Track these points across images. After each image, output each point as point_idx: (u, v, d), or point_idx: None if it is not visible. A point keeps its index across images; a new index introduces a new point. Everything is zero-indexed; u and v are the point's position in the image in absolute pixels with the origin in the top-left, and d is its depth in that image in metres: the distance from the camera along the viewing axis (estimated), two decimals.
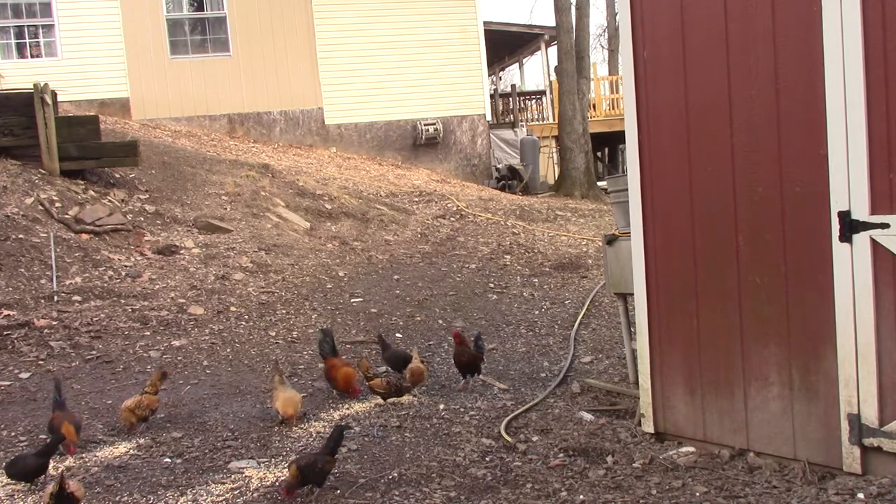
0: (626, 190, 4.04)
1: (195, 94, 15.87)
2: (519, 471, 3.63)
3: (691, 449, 3.74)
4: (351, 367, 4.91)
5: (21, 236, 7.74)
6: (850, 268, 3.15)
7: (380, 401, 4.75)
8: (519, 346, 6.19)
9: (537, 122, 20.69)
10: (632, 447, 3.89)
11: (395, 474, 3.64)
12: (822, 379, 3.29)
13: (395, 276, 8.57)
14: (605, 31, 32.01)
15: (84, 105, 14.26)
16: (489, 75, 19.96)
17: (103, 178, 9.87)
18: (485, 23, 18.07)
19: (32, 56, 15.32)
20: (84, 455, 4.03)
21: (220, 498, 3.49)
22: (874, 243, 3.08)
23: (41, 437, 4.30)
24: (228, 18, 16.13)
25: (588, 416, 4.41)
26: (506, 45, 22.47)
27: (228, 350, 6.11)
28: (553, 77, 19.89)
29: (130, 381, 5.39)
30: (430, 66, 17.04)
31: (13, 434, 4.44)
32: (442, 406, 4.66)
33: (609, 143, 21.70)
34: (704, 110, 3.62)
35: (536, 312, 7.21)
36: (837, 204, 3.17)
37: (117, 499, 3.52)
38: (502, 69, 28.76)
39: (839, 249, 3.17)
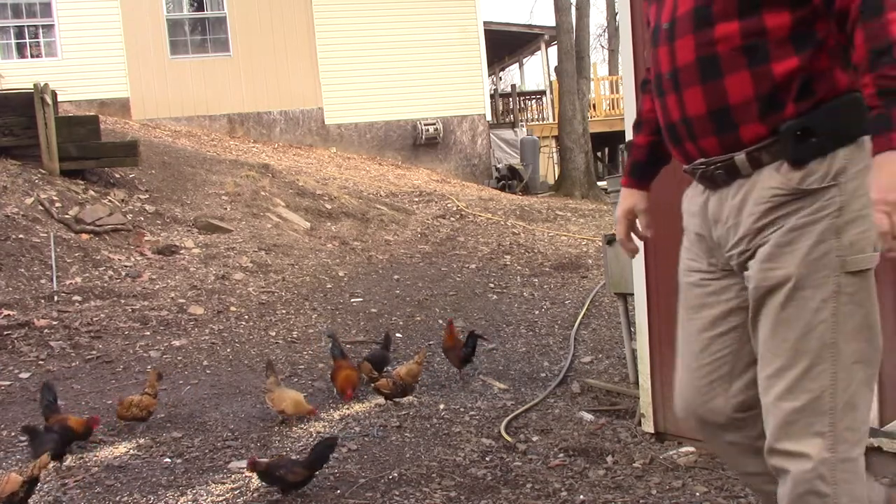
0: None
1: (195, 94, 15.88)
2: (519, 471, 3.63)
3: (691, 449, 3.74)
4: (355, 371, 4.91)
5: (21, 236, 7.74)
6: None
7: (380, 401, 4.76)
8: (519, 346, 6.20)
9: (537, 122, 20.71)
10: (632, 447, 3.89)
11: (395, 474, 3.64)
12: None
13: (395, 276, 8.58)
14: (605, 31, 32.03)
15: (84, 105, 14.27)
16: (489, 75, 19.96)
17: (103, 178, 9.87)
18: (485, 23, 18.07)
19: (32, 56, 15.34)
20: (84, 455, 4.03)
21: (221, 498, 3.49)
22: None
23: None
24: (228, 18, 16.14)
25: (588, 416, 4.41)
26: (506, 45, 22.47)
27: (228, 350, 6.11)
28: (553, 77, 19.90)
29: (130, 381, 5.39)
30: (430, 66, 17.05)
31: (13, 434, 4.44)
32: (442, 406, 4.66)
33: (609, 143, 21.70)
34: None
35: (536, 312, 7.21)
36: None
37: (117, 499, 3.52)
38: (502, 69, 28.77)
39: None
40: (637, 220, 2.15)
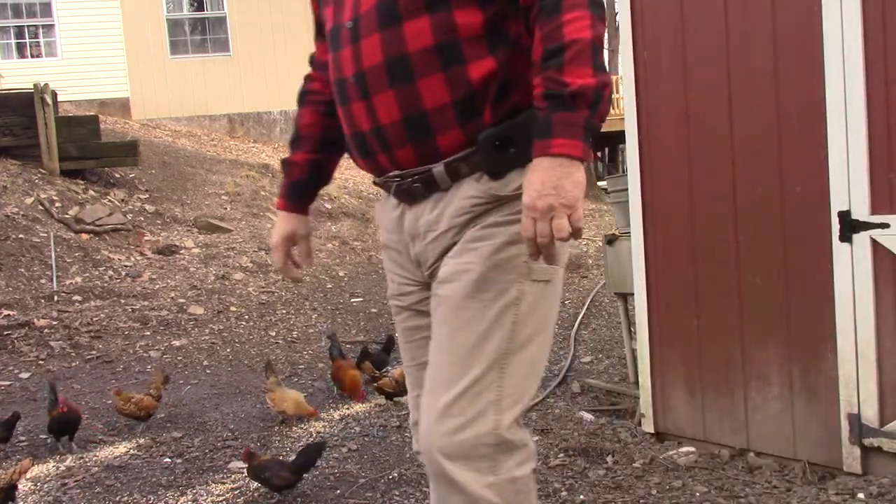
0: (626, 190, 4.04)
1: (195, 94, 15.87)
2: None
3: (691, 449, 3.74)
4: (357, 371, 4.91)
5: (21, 236, 7.75)
6: (850, 267, 3.15)
7: (380, 400, 4.76)
8: None
9: None
10: (632, 447, 3.89)
11: (395, 474, 3.64)
12: (822, 379, 3.29)
13: None
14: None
15: (84, 105, 14.26)
16: None
17: (103, 178, 9.87)
18: None
19: (32, 56, 15.33)
20: (84, 455, 4.03)
21: (221, 498, 3.49)
22: (874, 243, 3.09)
23: (41, 436, 4.31)
24: (228, 18, 16.13)
25: (588, 416, 4.41)
26: None
27: (228, 350, 6.12)
28: None
29: (130, 380, 5.39)
30: None
31: (14, 433, 4.44)
32: None
33: (609, 143, 21.69)
34: (704, 110, 3.62)
35: None
36: (837, 204, 3.17)
37: (117, 499, 3.52)
38: None
39: (839, 249, 3.18)
40: (295, 247, 1.94)
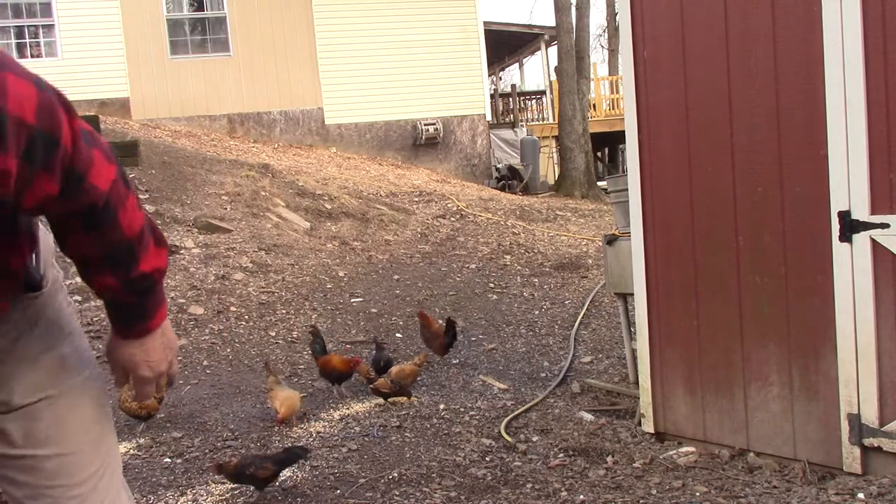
0: (626, 190, 4.05)
1: (195, 94, 15.87)
2: (519, 471, 3.63)
3: (691, 449, 3.74)
4: (330, 359, 5.00)
5: None
6: (850, 268, 3.15)
7: (380, 401, 4.76)
8: (519, 346, 6.19)
9: (537, 122, 20.70)
10: (632, 447, 3.89)
11: (396, 474, 3.64)
12: (822, 379, 3.29)
13: (395, 276, 8.57)
14: (605, 31, 32.03)
15: (84, 105, 14.25)
16: (489, 75, 19.96)
17: None
18: (485, 23, 18.06)
19: (32, 56, 15.32)
20: None
21: (220, 498, 3.49)
22: (874, 243, 3.09)
23: None
24: (228, 18, 16.13)
25: (588, 416, 4.41)
26: (506, 45, 22.47)
27: (228, 350, 6.11)
28: (553, 77, 19.90)
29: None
30: (430, 66, 17.04)
31: None
32: (442, 406, 4.66)
33: (609, 143, 21.71)
34: (704, 110, 3.62)
35: (536, 312, 7.21)
36: (837, 204, 3.17)
37: None
38: (502, 69, 28.77)
39: (839, 249, 3.18)
40: None
